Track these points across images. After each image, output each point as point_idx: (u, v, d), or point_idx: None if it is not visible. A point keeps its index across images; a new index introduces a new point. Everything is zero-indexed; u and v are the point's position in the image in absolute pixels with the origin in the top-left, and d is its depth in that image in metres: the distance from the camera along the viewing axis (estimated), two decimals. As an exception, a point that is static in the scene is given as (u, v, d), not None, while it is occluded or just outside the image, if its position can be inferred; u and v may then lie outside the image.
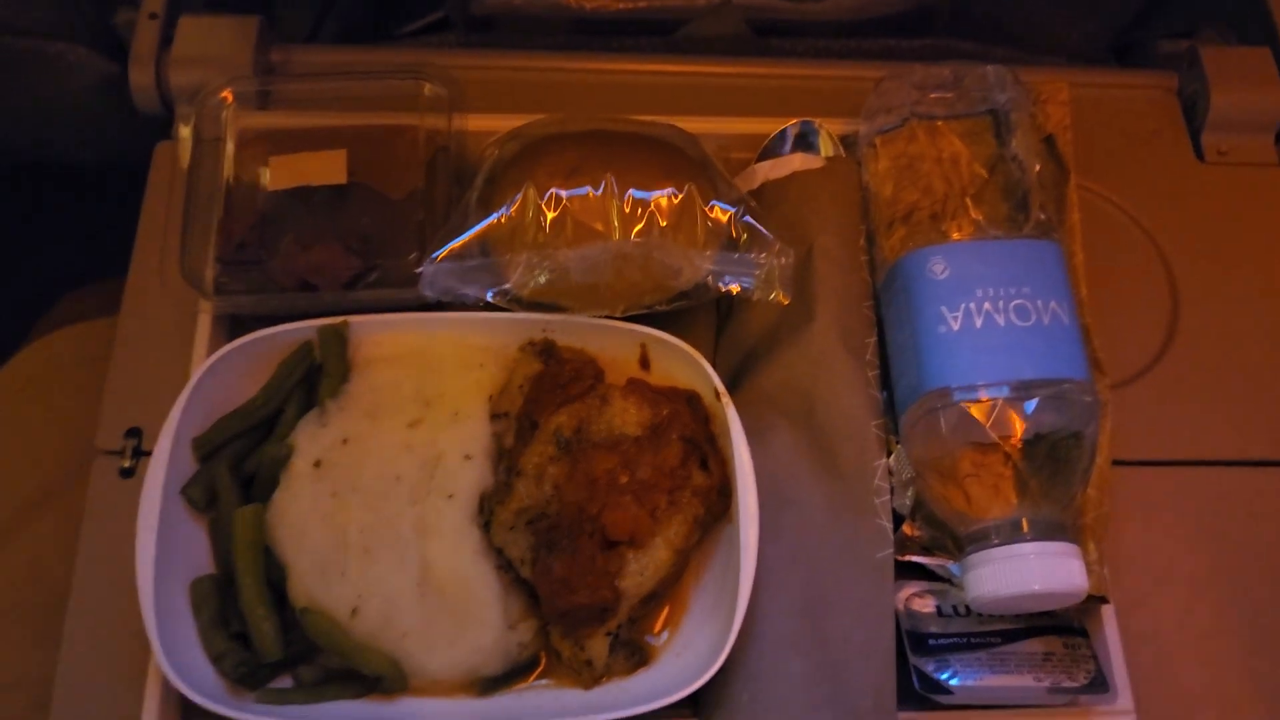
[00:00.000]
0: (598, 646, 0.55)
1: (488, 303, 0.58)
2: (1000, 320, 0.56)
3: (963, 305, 0.56)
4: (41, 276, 0.86)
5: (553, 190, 0.56)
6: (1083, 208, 0.66)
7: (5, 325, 0.82)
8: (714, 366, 0.58)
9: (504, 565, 0.56)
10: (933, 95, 0.63)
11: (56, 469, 0.71)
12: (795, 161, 0.65)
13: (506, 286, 0.57)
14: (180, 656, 0.53)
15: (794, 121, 0.68)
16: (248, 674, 0.54)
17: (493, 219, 0.57)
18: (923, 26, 0.89)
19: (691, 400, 0.59)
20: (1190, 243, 0.72)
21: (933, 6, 0.88)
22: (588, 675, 0.55)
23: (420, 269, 0.58)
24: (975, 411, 0.54)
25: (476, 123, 0.66)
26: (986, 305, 0.56)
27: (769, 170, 0.65)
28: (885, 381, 0.61)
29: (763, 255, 0.57)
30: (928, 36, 0.89)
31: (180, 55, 0.69)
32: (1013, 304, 0.56)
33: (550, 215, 0.56)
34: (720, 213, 0.57)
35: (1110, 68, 0.86)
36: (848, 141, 0.68)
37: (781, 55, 0.85)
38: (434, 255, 0.57)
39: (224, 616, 0.55)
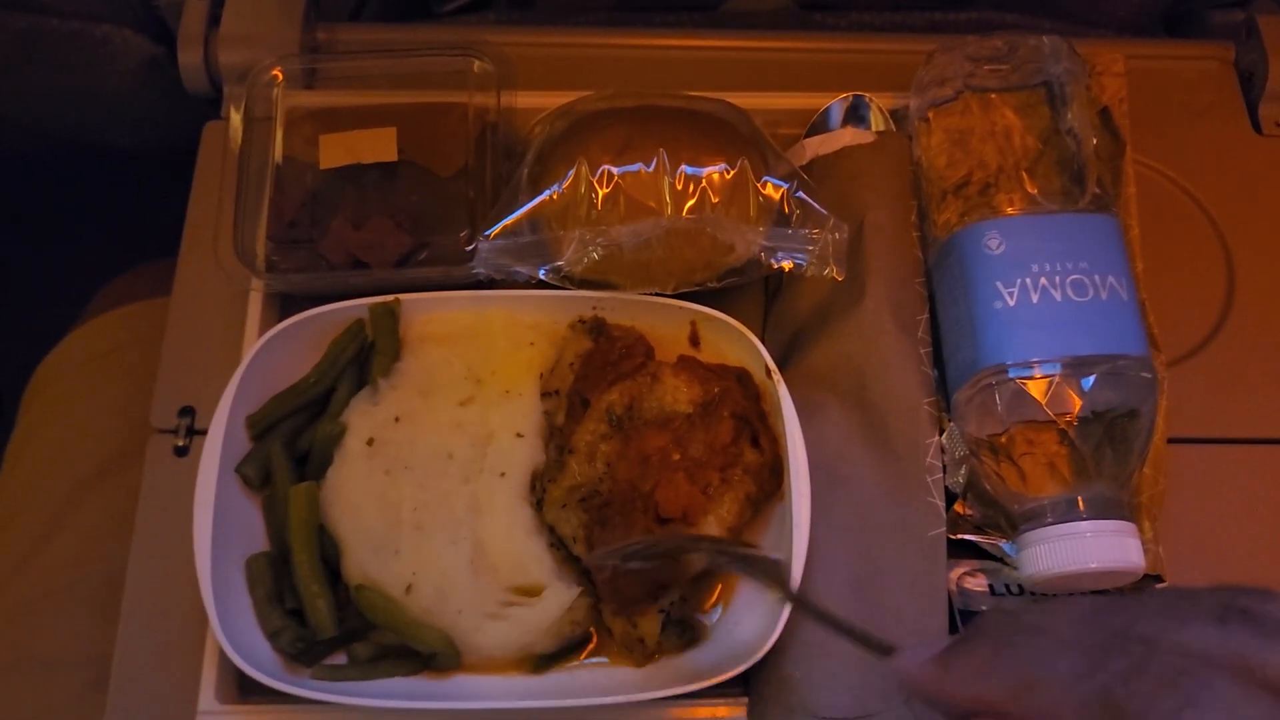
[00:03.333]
0: (650, 624, 0.55)
1: (538, 280, 0.58)
2: (1057, 296, 0.55)
3: (1019, 281, 0.56)
4: (89, 259, 0.86)
5: (605, 167, 0.56)
6: (1136, 181, 0.65)
7: (55, 308, 0.83)
8: (763, 344, 0.58)
9: (556, 543, 0.56)
10: (986, 67, 0.61)
11: (110, 448, 0.71)
12: (845, 136, 0.64)
13: (559, 263, 0.57)
14: (237, 633, 0.53)
15: (842, 96, 0.67)
16: (303, 650, 0.54)
17: (545, 196, 0.56)
18: (967, 0, 0.87)
19: (742, 378, 0.58)
20: (1246, 217, 0.70)
21: (979, -22, 0.87)
22: (640, 653, 0.55)
23: (471, 246, 0.58)
24: (1031, 389, 0.54)
25: (522, 100, 0.66)
26: (1043, 280, 0.55)
27: (818, 145, 0.64)
28: (937, 359, 0.60)
29: (816, 231, 0.56)
30: (972, 10, 0.87)
31: (229, 34, 0.69)
32: (1070, 279, 0.55)
33: (603, 192, 0.56)
34: (773, 188, 0.57)
35: (1164, 39, 0.84)
36: (897, 115, 0.67)
37: (824, 30, 0.84)
38: (486, 233, 0.57)
39: (279, 593, 0.55)
